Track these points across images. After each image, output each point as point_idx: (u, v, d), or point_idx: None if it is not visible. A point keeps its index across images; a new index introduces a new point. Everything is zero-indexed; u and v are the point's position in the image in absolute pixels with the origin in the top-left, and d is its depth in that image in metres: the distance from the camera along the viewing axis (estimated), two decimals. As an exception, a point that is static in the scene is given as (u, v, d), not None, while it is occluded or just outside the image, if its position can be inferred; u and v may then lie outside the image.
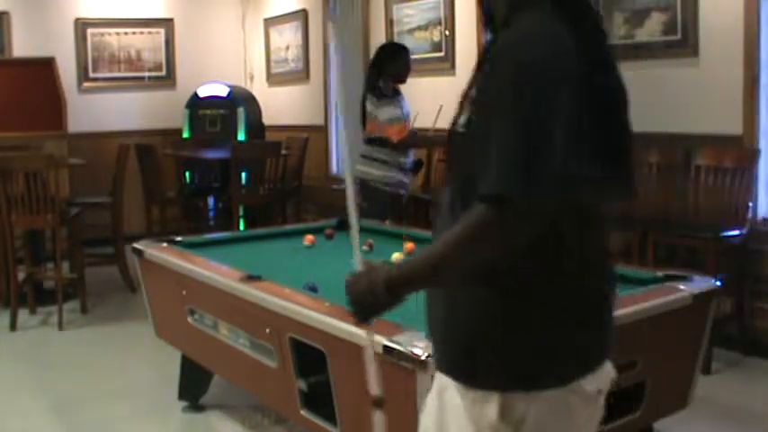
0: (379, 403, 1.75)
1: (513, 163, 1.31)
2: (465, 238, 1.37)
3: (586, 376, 1.47)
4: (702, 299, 2.68)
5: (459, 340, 1.50)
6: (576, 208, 1.41)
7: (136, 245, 3.81)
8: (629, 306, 2.50)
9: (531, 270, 1.42)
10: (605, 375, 1.53)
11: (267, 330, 2.73)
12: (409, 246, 3.58)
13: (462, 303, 1.51)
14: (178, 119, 8.38)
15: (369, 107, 5.06)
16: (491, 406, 1.43)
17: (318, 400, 2.55)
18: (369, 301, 1.65)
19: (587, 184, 1.39)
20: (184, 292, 3.37)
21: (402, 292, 1.57)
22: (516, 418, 1.42)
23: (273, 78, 8.79)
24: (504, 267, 1.41)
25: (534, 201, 1.32)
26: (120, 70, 8.45)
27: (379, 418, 1.73)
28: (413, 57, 6.52)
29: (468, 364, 1.47)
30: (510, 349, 1.44)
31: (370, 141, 5.09)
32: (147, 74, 8.57)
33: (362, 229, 4.32)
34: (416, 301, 2.76)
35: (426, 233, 4.04)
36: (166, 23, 8.65)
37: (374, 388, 1.75)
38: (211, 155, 7.41)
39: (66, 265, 5.58)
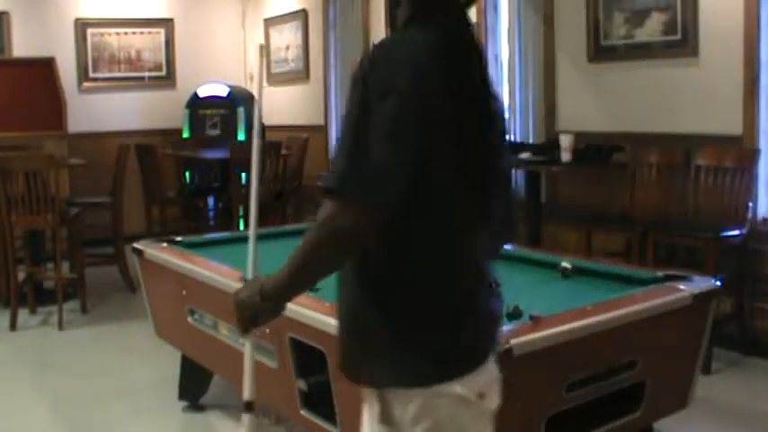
0: (249, 407, 1.86)
1: (355, 162, 1.41)
2: (318, 234, 1.46)
3: (453, 380, 1.47)
4: (702, 299, 2.68)
5: (344, 341, 1.60)
6: (421, 214, 1.45)
7: (136, 245, 3.81)
8: (629, 306, 2.50)
9: (389, 276, 1.49)
10: (485, 379, 1.53)
11: (267, 330, 2.73)
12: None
13: (342, 307, 1.59)
14: (178, 119, 8.38)
15: None
16: (374, 402, 1.53)
17: (318, 400, 2.54)
18: (248, 311, 1.68)
19: (432, 194, 1.44)
20: (184, 292, 3.37)
21: (276, 297, 1.64)
22: (392, 416, 1.50)
23: (273, 78, 8.79)
24: (363, 271, 1.49)
25: (369, 197, 1.40)
26: (120, 70, 8.45)
27: (248, 420, 1.84)
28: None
29: (356, 364, 1.58)
30: (379, 349, 1.51)
31: None
32: (147, 74, 8.57)
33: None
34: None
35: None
36: (166, 23, 8.65)
37: (247, 393, 1.87)
38: (211, 155, 7.41)
39: (66, 265, 5.58)
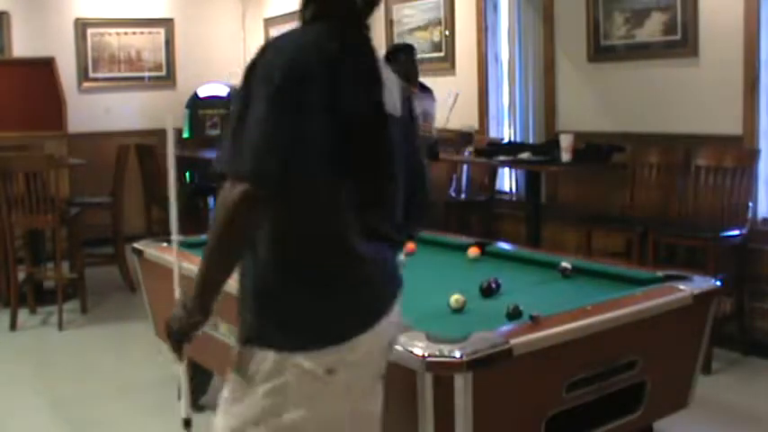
0: (188, 424, 1.98)
1: (236, 143, 1.56)
2: (216, 219, 1.57)
3: (298, 352, 1.61)
4: (702, 299, 2.68)
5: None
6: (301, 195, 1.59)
7: (136, 245, 3.81)
8: (629, 306, 2.50)
9: (261, 250, 1.64)
10: (339, 357, 1.63)
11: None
12: (409, 246, 3.58)
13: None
14: (178, 119, 8.38)
15: None
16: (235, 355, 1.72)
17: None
18: (175, 328, 1.77)
19: (313, 179, 1.59)
20: (184, 292, 3.36)
21: (198, 301, 1.68)
22: (246, 370, 1.66)
23: (273, 78, 8.79)
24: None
25: (243, 171, 1.53)
26: (120, 70, 8.44)
27: None
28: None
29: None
30: (246, 312, 1.70)
31: None
32: (147, 74, 8.56)
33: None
34: (416, 302, 2.76)
35: (433, 234, 4.04)
36: (166, 23, 8.65)
37: (184, 411, 1.98)
38: (211, 155, 7.40)
39: (66, 265, 5.58)
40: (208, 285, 1.66)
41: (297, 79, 1.57)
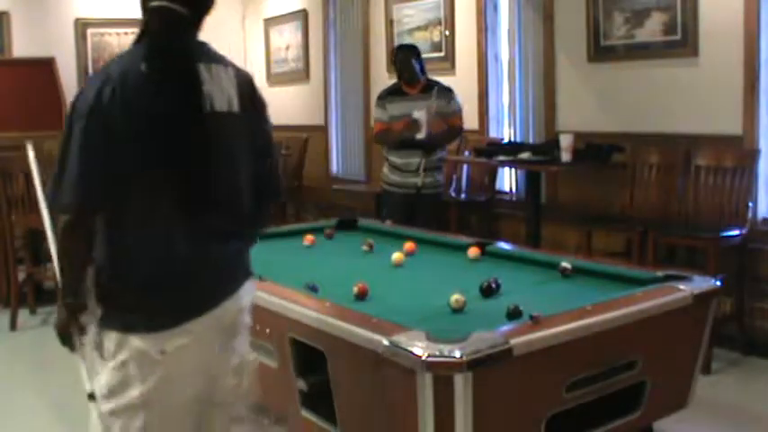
0: (91, 397, 2.20)
1: (53, 178, 1.87)
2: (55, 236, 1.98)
3: (132, 334, 1.90)
4: (702, 299, 2.68)
5: None
6: (105, 207, 1.90)
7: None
8: (629, 306, 2.50)
9: (103, 247, 1.94)
10: (169, 340, 1.91)
11: (267, 330, 2.73)
12: (409, 246, 3.58)
13: None
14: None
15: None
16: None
17: (318, 400, 2.55)
18: (59, 323, 2.15)
19: (110, 192, 1.86)
20: (184, 292, 3.36)
21: (66, 292, 2.06)
22: (101, 346, 1.99)
23: (273, 78, 8.79)
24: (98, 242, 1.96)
25: (62, 205, 1.87)
26: (120, 70, 8.44)
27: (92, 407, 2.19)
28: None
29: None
30: (98, 299, 1.99)
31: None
32: (146, 74, 8.56)
33: (362, 229, 4.35)
34: (416, 302, 2.77)
35: (433, 234, 4.04)
36: (166, 23, 8.64)
37: (88, 385, 2.27)
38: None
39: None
40: (66, 276, 2.02)
41: (82, 121, 1.82)
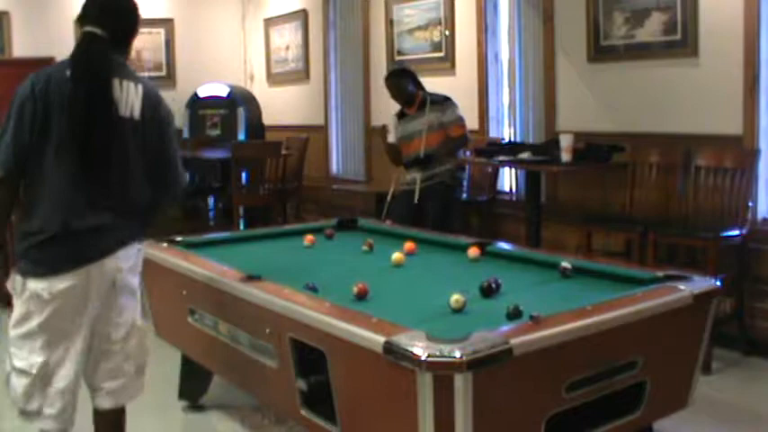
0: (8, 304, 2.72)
1: None
2: None
3: (28, 278, 2.53)
4: (702, 299, 2.68)
5: None
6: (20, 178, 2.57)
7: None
8: (629, 306, 2.50)
9: (22, 207, 2.61)
10: (53, 284, 2.51)
11: (267, 330, 2.74)
12: (409, 246, 3.58)
13: None
14: (178, 119, 8.36)
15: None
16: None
17: (318, 400, 2.55)
18: None
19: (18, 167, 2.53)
20: (184, 292, 3.37)
21: None
22: (15, 288, 2.58)
23: (273, 78, 8.80)
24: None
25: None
26: (120, 70, 8.44)
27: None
28: (413, 57, 6.54)
29: None
30: (15, 247, 2.61)
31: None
32: (146, 74, 8.56)
33: (363, 229, 4.35)
34: (416, 302, 2.77)
35: (433, 234, 4.04)
36: (166, 23, 8.66)
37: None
38: (211, 155, 7.41)
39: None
40: None
41: (18, 104, 2.51)
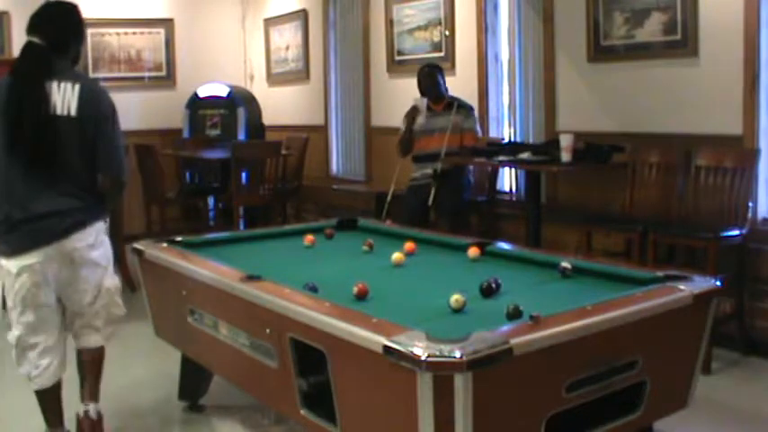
0: None
1: None
2: None
3: (1, 257, 3.06)
4: (702, 299, 2.68)
5: None
6: None
7: (136, 245, 3.80)
8: (629, 306, 2.50)
9: None
10: (18, 263, 3.00)
11: (267, 330, 2.74)
12: (409, 246, 3.58)
13: None
14: (178, 119, 8.38)
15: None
16: None
17: (318, 400, 2.55)
18: None
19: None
20: (184, 292, 3.37)
21: None
22: None
23: (273, 78, 8.80)
24: None
25: None
26: (120, 70, 8.45)
27: None
28: (413, 57, 6.55)
29: None
30: None
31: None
32: (146, 74, 8.57)
33: (363, 229, 4.35)
34: (416, 302, 2.77)
35: (433, 234, 4.04)
36: (166, 23, 8.66)
37: None
38: (211, 155, 7.41)
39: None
40: None
41: None
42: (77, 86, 3.01)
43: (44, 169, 2.98)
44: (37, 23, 3.08)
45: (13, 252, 3.01)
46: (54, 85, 2.98)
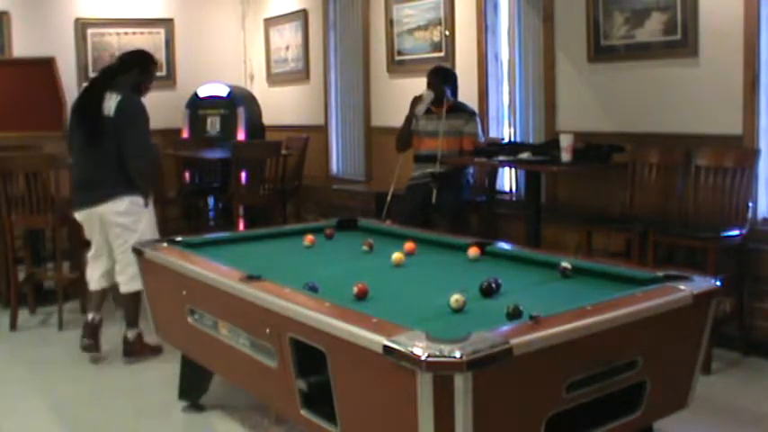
0: None
1: None
2: None
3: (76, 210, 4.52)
4: (702, 299, 2.68)
5: None
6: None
7: (136, 245, 3.81)
8: (629, 306, 2.50)
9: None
10: (80, 215, 4.48)
11: (267, 330, 2.74)
12: (409, 246, 3.58)
13: None
14: (178, 119, 8.38)
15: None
16: None
17: (318, 400, 2.55)
18: None
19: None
20: (184, 292, 3.37)
21: None
22: None
23: (273, 78, 8.80)
24: None
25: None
26: (120, 70, 8.43)
27: None
28: (413, 57, 6.56)
29: None
30: None
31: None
32: (146, 74, 8.55)
33: (362, 229, 4.35)
34: (416, 302, 2.77)
35: (433, 234, 4.04)
36: (166, 23, 8.66)
37: None
38: (211, 155, 7.41)
39: (66, 265, 5.58)
40: None
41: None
42: (119, 97, 4.28)
43: (93, 151, 4.30)
44: (121, 55, 4.65)
45: (72, 206, 4.54)
46: (108, 94, 4.29)
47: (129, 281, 4.38)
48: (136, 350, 4.46)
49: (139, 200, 4.35)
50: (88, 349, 4.44)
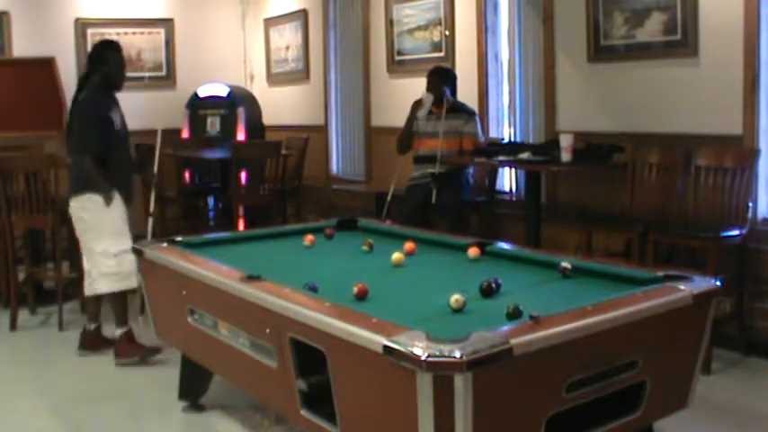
0: None
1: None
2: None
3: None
4: (702, 299, 2.68)
5: None
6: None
7: (136, 245, 3.81)
8: (629, 306, 2.50)
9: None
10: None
11: (267, 330, 2.74)
12: (409, 246, 3.58)
13: None
14: (178, 119, 8.38)
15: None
16: None
17: (318, 400, 2.55)
18: None
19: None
20: (184, 292, 3.37)
21: None
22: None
23: (273, 78, 8.79)
24: None
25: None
26: (120, 70, 8.43)
27: None
28: (413, 57, 6.55)
29: None
30: None
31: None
32: (146, 74, 8.56)
33: (362, 229, 4.35)
34: (416, 302, 2.77)
35: (433, 234, 4.04)
36: (166, 23, 8.65)
37: None
38: (211, 155, 7.41)
39: (66, 265, 5.58)
40: None
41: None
42: (84, 95, 4.45)
43: (69, 149, 4.54)
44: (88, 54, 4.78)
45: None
46: (81, 94, 4.49)
47: (91, 283, 4.39)
48: (122, 349, 4.43)
49: (98, 198, 4.33)
50: (85, 355, 4.57)
